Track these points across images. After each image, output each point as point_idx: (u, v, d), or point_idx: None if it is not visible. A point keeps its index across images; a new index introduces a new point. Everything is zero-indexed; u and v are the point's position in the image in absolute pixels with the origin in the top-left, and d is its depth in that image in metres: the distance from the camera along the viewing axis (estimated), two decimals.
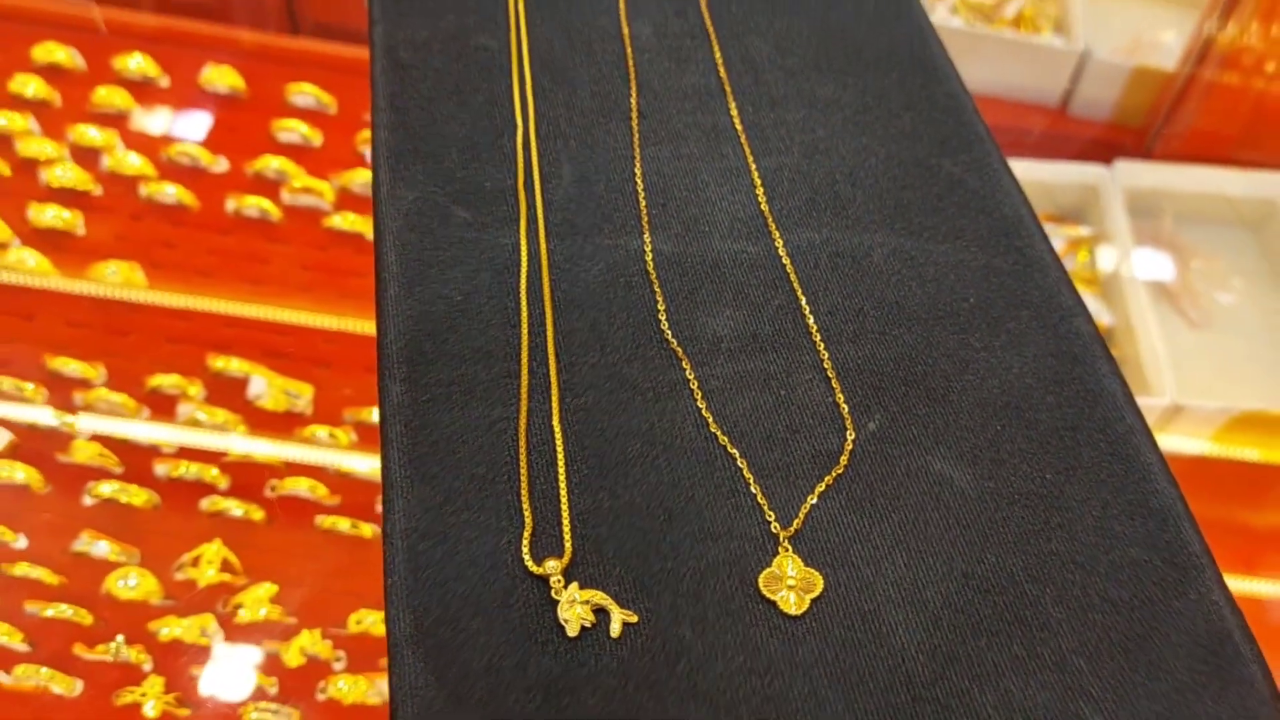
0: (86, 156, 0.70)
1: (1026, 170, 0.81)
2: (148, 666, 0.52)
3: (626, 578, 0.29)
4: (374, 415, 0.61)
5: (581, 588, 0.28)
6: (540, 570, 0.28)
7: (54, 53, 0.75)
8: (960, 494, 0.31)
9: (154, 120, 0.73)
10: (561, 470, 0.30)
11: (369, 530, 0.58)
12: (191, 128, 0.73)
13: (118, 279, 0.65)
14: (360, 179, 0.71)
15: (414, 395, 0.31)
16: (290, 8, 0.87)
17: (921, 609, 0.29)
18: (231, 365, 0.62)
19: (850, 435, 0.32)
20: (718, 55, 0.42)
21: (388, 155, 0.37)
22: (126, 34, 0.77)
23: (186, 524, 0.57)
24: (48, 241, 0.67)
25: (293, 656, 0.53)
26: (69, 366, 0.61)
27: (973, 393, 0.33)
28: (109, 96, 0.73)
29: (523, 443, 0.31)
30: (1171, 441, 0.70)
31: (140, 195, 0.69)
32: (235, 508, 0.57)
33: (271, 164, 0.70)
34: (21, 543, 0.55)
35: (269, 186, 0.70)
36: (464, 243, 0.35)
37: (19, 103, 0.72)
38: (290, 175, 0.70)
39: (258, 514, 0.57)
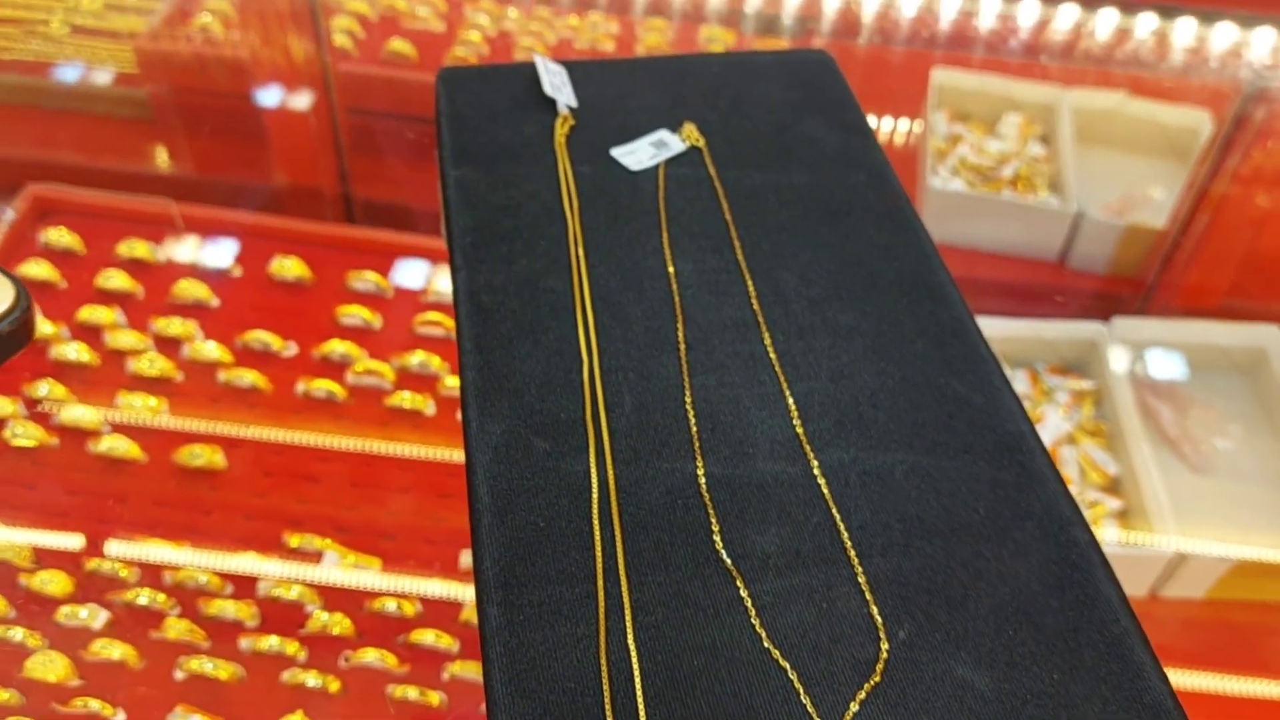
0: (168, 345, 0.77)
1: (1031, 328, 0.87)
2: None
3: None
4: (435, 588, 0.67)
5: None
6: None
7: (136, 248, 0.82)
8: (980, 696, 0.36)
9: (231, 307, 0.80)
10: (638, 686, 0.35)
11: (435, 698, 0.62)
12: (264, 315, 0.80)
13: (201, 461, 0.71)
14: (417, 359, 0.78)
15: (510, 617, 0.37)
16: (345, 194, 0.95)
17: None
18: (305, 541, 0.68)
19: (884, 645, 0.37)
20: (751, 289, 0.48)
21: (475, 394, 0.43)
22: (203, 228, 0.85)
23: (269, 696, 0.62)
24: (136, 428, 0.73)
25: None
26: (159, 546, 0.67)
27: (987, 600, 0.38)
28: (188, 288, 0.80)
29: (603, 659, 0.36)
30: (1177, 584, 0.75)
31: (219, 381, 0.76)
32: (313, 679, 0.62)
33: (337, 348, 0.77)
34: (120, 718, 0.60)
35: (335, 369, 0.77)
36: (545, 471, 0.41)
37: (106, 296, 0.80)
38: (354, 358, 0.77)
39: (334, 685, 0.62)
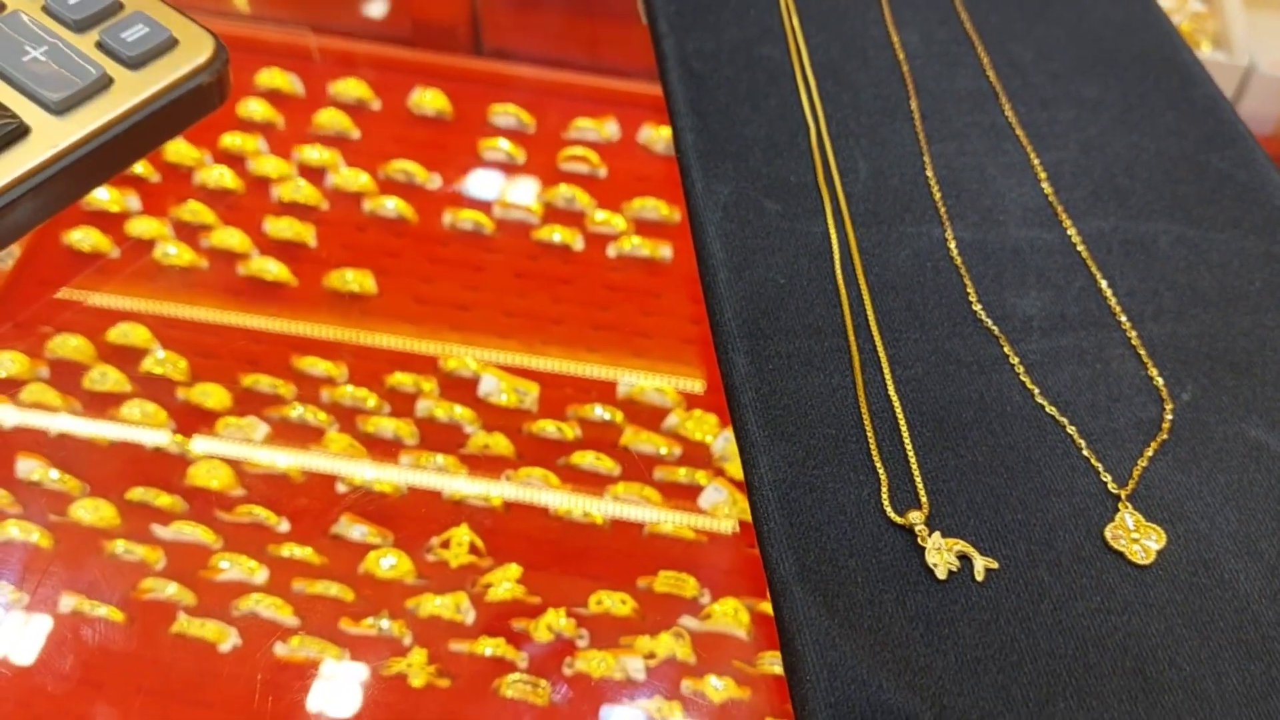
0: (313, 174, 0.76)
1: None
2: (408, 640, 0.56)
3: (981, 528, 0.31)
4: (596, 411, 0.65)
5: (943, 536, 0.31)
6: (903, 521, 0.31)
7: (276, 79, 0.80)
8: (1277, 458, 0.33)
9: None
10: (905, 433, 0.33)
11: (599, 518, 0.61)
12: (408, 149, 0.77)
13: (354, 285, 0.70)
14: (563, 195, 0.75)
15: (758, 365, 0.35)
16: (476, 36, 0.92)
17: (1258, 559, 0.31)
18: (464, 364, 0.66)
19: (1168, 405, 0.34)
20: (984, 59, 0.44)
21: (697, 155, 0.41)
22: (340, 61, 0.83)
23: (432, 510, 0.61)
24: (284, 252, 0.72)
25: (540, 633, 0.56)
26: (315, 366, 0.66)
27: (1274, 367, 0.35)
28: (329, 118, 0.78)
29: (864, 408, 0.34)
30: None
31: (364, 209, 0.74)
32: (475, 497, 0.61)
33: (482, 181, 0.75)
34: (284, 526, 0.60)
35: (479, 201, 0.75)
36: (779, 232, 0.38)
37: (247, 125, 0.78)
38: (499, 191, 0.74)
39: (497, 500, 0.61)
